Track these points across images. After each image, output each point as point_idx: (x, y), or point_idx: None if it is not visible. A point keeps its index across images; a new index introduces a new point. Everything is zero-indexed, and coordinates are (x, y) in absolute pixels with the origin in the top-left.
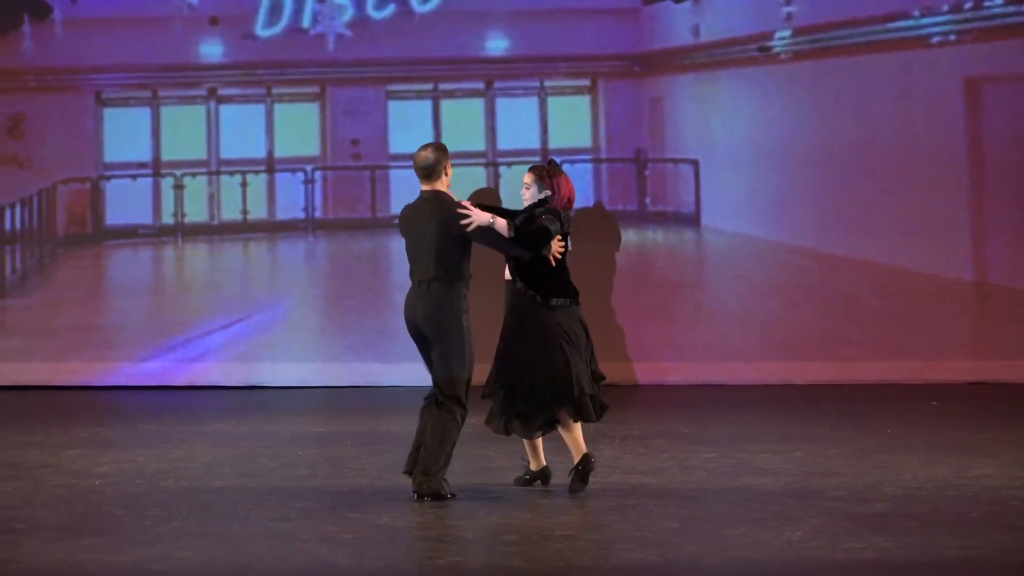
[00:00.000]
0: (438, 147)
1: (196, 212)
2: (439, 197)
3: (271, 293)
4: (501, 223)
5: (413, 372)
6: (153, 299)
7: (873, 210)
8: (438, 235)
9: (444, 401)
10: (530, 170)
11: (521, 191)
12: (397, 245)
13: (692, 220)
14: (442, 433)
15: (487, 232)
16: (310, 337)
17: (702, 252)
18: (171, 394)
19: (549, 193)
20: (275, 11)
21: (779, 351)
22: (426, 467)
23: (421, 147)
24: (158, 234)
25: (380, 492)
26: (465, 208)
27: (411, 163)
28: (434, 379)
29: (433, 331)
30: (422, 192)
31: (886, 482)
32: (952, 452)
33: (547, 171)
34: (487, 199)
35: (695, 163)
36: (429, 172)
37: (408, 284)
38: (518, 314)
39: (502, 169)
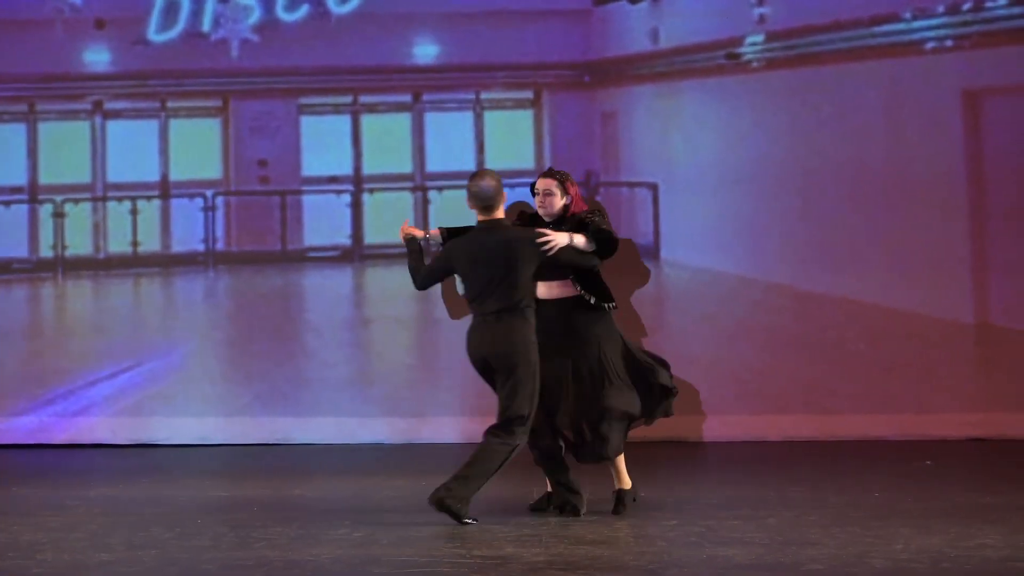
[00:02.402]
0: (494, 175)
1: (79, 244)
2: (501, 226)
3: (166, 337)
4: (579, 239)
5: (328, 428)
6: (29, 344)
7: (859, 242)
8: (510, 264)
9: (503, 428)
10: (548, 176)
11: (539, 200)
12: (311, 281)
13: (650, 252)
14: (487, 457)
15: (569, 251)
16: (211, 388)
17: (662, 290)
18: (50, 453)
19: (568, 200)
20: (170, 13)
21: (751, 403)
22: (455, 482)
23: (475, 176)
24: (35, 269)
25: (291, 566)
26: (543, 233)
27: (324, 187)
28: (502, 408)
29: (506, 362)
30: (480, 223)
31: (873, 553)
32: (949, 518)
33: (562, 176)
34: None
35: (654, 187)
36: (491, 203)
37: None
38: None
39: (431, 194)
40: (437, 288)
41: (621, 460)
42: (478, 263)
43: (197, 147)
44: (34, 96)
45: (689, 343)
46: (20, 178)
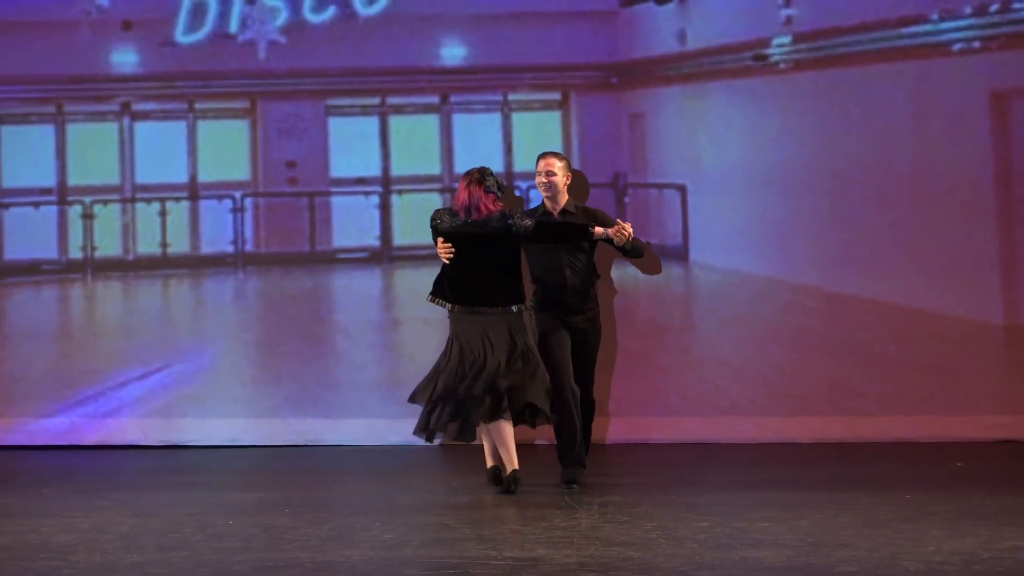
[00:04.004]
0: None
1: (108, 245)
2: None
3: (195, 339)
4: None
5: (358, 429)
6: (59, 345)
7: (887, 243)
8: None
9: None
10: (552, 155)
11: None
12: (339, 283)
13: (679, 254)
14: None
15: None
16: (240, 389)
17: (691, 291)
18: (80, 454)
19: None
20: (198, 14)
21: (781, 405)
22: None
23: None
24: (64, 270)
25: (323, 567)
26: None
27: (353, 188)
28: None
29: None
30: None
31: (905, 555)
32: (980, 520)
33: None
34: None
35: (682, 188)
36: None
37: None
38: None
39: None
40: None
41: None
42: None
43: (225, 148)
44: (62, 98)
45: (718, 345)
46: (49, 179)
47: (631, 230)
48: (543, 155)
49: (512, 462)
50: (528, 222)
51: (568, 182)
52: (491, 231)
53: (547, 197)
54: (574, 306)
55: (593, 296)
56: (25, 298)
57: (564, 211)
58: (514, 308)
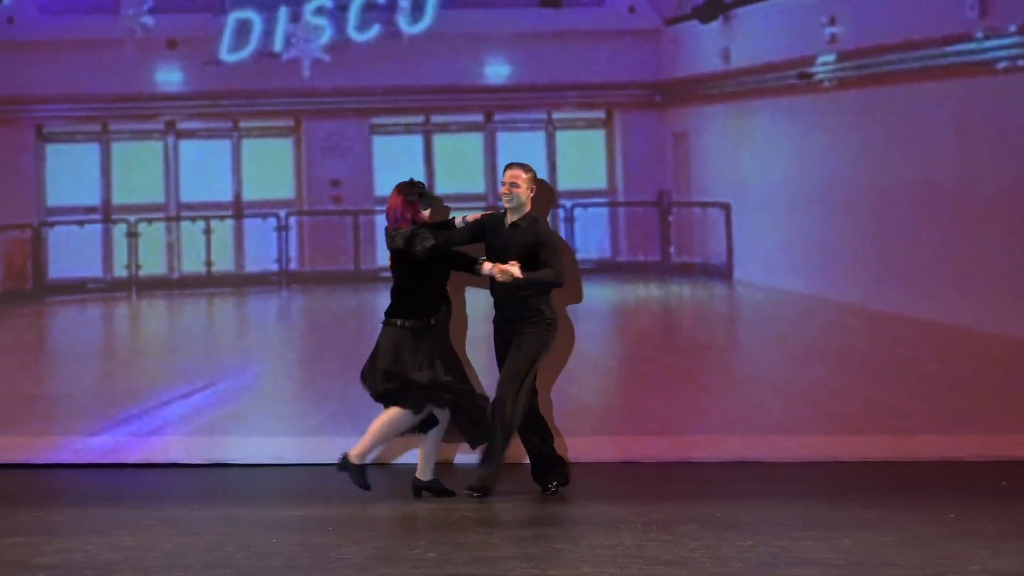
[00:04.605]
0: None
1: (153, 263)
2: None
3: (239, 357)
4: None
5: (408, 448)
6: (103, 364)
7: (931, 261)
8: None
9: None
10: (516, 167)
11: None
12: (383, 301)
13: (723, 272)
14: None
15: None
16: (284, 407)
17: (735, 309)
18: (125, 473)
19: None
20: (242, 33)
21: (824, 423)
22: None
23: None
24: (109, 289)
25: None
26: None
27: None
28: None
29: None
30: None
31: (949, 574)
32: None
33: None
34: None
35: (726, 207)
36: None
37: None
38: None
39: None
40: None
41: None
42: None
43: (270, 167)
44: (107, 116)
45: (762, 363)
46: (94, 198)
47: (515, 272)
48: (509, 165)
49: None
50: (426, 245)
51: (532, 194)
52: (393, 247)
53: (508, 208)
54: (507, 315)
55: (532, 307)
56: (70, 316)
57: (514, 224)
58: (398, 322)
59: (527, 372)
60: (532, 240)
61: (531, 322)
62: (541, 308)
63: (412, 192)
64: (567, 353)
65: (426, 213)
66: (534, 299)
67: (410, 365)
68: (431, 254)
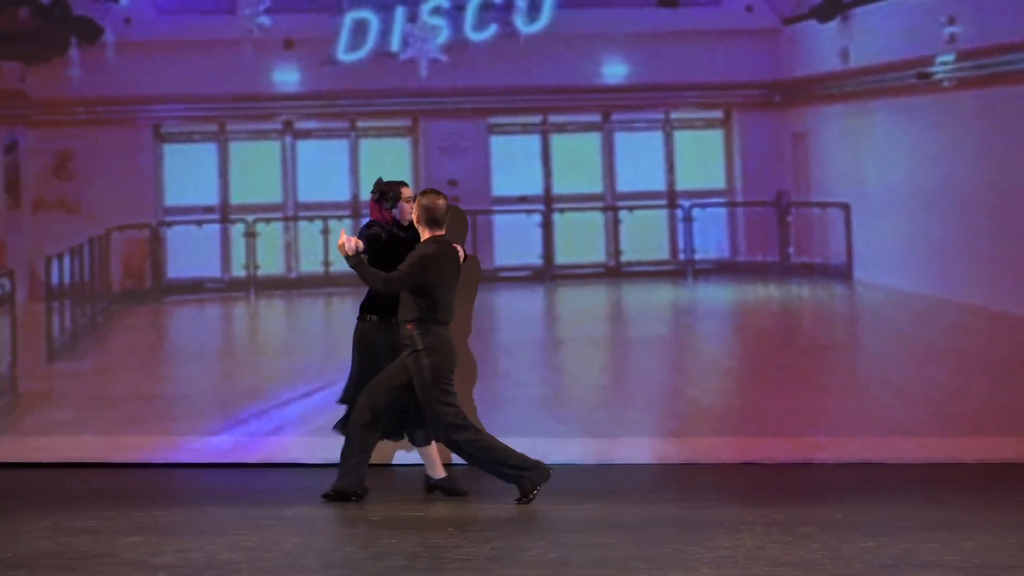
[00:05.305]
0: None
1: (271, 263)
2: (449, 241)
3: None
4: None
5: (521, 448)
6: (222, 364)
7: None
8: (458, 278)
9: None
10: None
11: (409, 206)
12: (502, 302)
13: (843, 273)
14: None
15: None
16: None
17: (855, 310)
18: (244, 472)
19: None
20: (359, 33)
21: (945, 425)
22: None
23: (435, 194)
24: (227, 289)
25: None
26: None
27: (514, 207)
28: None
29: None
30: (443, 237)
31: None
32: None
33: None
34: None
35: (845, 207)
36: (445, 220)
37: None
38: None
39: (622, 214)
40: (627, 307)
41: None
42: (447, 276)
43: (387, 166)
44: (225, 116)
45: (882, 364)
46: (212, 198)
47: (348, 246)
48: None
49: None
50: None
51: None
52: None
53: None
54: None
55: (407, 334)
56: (188, 316)
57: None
58: (359, 318)
59: (376, 393)
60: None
61: (406, 348)
62: (414, 337)
63: (375, 191)
64: (469, 385)
65: (398, 211)
66: (409, 326)
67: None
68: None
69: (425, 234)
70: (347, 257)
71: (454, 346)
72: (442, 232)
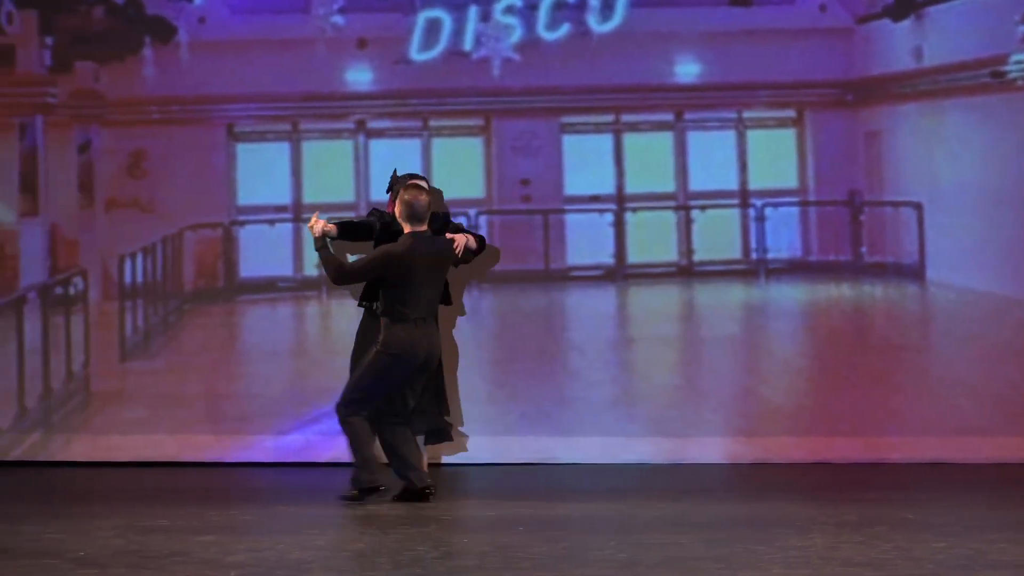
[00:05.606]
0: (426, 190)
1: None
2: (434, 235)
3: None
4: (471, 239)
5: (593, 447)
6: (294, 363)
7: None
8: (443, 270)
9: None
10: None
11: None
12: (574, 301)
13: (915, 273)
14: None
15: (467, 252)
16: (475, 407)
17: (928, 310)
18: (315, 472)
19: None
20: (432, 32)
21: (1018, 424)
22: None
23: (417, 190)
24: (300, 288)
25: None
26: (453, 239)
27: (587, 206)
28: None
29: (434, 362)
30: (423, 232)
31: None
32: None
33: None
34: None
35: (918, 207)
36: (426, 215)
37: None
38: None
39: (694, 213)
40: (699, 306)
41: None
42: (419, 273)
43: (459, 166)
44: (297, 115)
45: (954, 364)
46: (285, 197)
47: (316, 229)
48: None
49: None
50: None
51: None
52: None
53: None
54: None
55: (376, 329)
56: (260, 315)
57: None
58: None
59: (353, 386)
60: None
61: (374, 343)
62: (381, 330)
63: (389, 184)
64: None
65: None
66: (378, 323)
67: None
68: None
69: (405, 229)
70: (314, 240)
71: (425, 343)
72: (422, 228)
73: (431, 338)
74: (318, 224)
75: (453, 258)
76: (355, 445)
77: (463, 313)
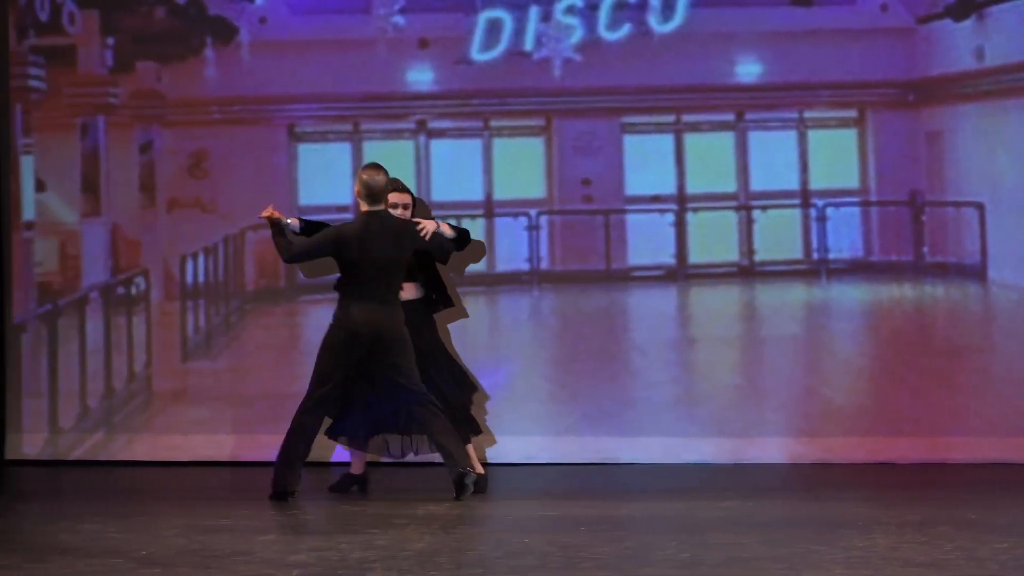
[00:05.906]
0: (383, 170)
1: None
2: (389, 215)
3: (491, 356)
4: (444, 226)
5: (654, 447)
6: None
7: None
8: (400, 249)
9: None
10: (403, 191)
11: (398, 213)
12: (634, 301)
13: (977, 273)
14: (445, 425)
15: (437, 236)
16: (536, 407)
17: (990, 310)
18: (377, 471)
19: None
20: (493, 32)
21: None
22: (458, 460)
23: (375, 169)
24: None
25: None
26: (419, 221)
27: (647, 206)
28: (405, 385)
29: (399, 343)
30: (379, 212)
31: None
32: None
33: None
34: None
35: (980, 207)
36: (383, 195)
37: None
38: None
39: (755, 213)
40: (760, 306)
41: None
42: (372, 247)
43: (520, 166)
44: (358, 116)
45: (1016, 364)
46: (346, 197)
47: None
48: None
49: None
50: None
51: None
52: None
53: None
54: None
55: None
56: (322, 316)
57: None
58: None
59: (314, 371)
60: None
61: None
62: (337, 309)
63: None
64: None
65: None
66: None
67: None
68: None
69: (363, 208)
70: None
71: (380, 321)
72: (380, 207)
73: (391, 318)
74: (267, 210)
75: (416, 240)
76: (289, 443)
77: (465, 315)
